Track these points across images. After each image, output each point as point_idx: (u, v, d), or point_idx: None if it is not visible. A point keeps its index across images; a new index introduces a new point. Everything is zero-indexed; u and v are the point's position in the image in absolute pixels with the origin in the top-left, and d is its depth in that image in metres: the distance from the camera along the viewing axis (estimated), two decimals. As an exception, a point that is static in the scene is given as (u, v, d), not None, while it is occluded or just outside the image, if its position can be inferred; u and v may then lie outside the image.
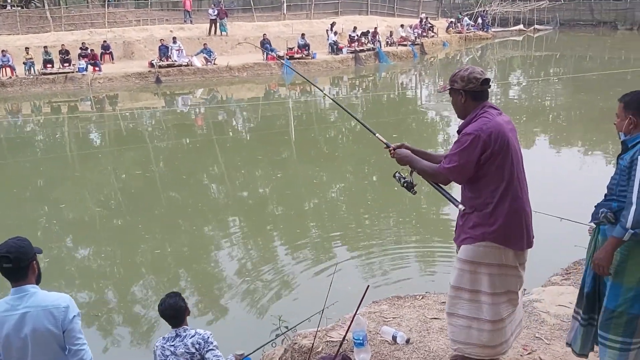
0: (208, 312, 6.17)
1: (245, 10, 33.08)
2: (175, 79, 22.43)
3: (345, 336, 3.32)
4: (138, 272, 7.40)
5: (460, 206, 3.14)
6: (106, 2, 30.34)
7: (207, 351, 3.36)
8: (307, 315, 4.49)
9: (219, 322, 5.95)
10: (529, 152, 12.27)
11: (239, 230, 8.66)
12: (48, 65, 21.41)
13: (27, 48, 21.63)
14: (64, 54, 21.85)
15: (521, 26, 44.63)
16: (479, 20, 41.05)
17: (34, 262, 2.66)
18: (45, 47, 21.99)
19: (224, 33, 26.96)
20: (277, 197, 9.96)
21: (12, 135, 15.99)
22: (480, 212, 3.08)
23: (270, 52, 24.21)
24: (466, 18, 40.34)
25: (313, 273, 6.79)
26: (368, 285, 3.12)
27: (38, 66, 21.33)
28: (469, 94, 3.09)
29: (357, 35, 27.79)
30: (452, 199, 3.21)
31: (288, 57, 24.26)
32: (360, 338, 3.52)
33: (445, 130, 14.69)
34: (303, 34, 26.14)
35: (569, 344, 3.25)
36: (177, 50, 23.29)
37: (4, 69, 20.93)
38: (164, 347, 3.41)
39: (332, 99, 4.77)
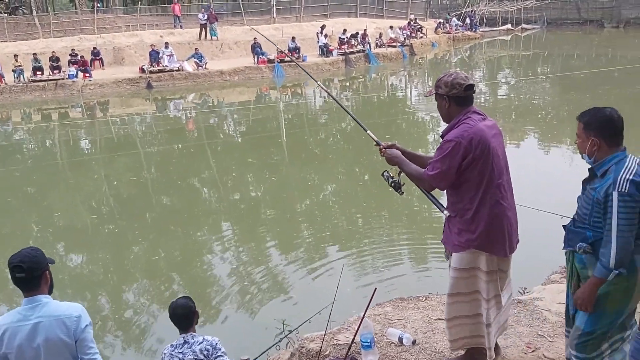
0: (207, 317, 6.17)
1: (235, 15, 33.08)
2: (167, 84, 22.39)
3: (354, 339, 3.35)
4: (135, 278, 7.38)
5: (446, 212, 3.19)
6: (95, 8, 30.24)
7: (215, 357, 3.35)
8: (307, 317, 4.51)
9: (219, 328, 5.94)
10: (521, 150, 12.39)
11: (234, 234, 8.67)
12: (38, 73, 21.29)
13: (15, 55, 21.48)
14: (54, 60, 21.73)
15: (509, 26, 44.94)
16: (467, 21, 41.31)
17: (47, 272, 2.67)
18: (34, 54, 21.87)
19: (214, 37, 26.95)
20: (272, 200, 9.98)
21: (2, 143, 15.88)
22: (462, 218, 3.14)
23: (261, 56, 24.29)
24: (454, 18, 40.57)
25: (310, 275, 6.81)
26: (375, 288, 3.17)
27: (27, 73, 21.20)
28: (453, 99, 3.14)
29: (347, 37, 27.89)
30: (438, 204, 3.27)
31: (279, 60, 24.30)
32: (368, 340, 3.55)
33: (435, 130, 14.78)
34: (293, 37, 26.20)
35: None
36: (168, 55, 23.25)
37: (-8, 76, 20.81)
38: (172, 354, 3.41)
39: (326, 91, 4.80)
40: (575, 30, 44.95)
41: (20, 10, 32.87)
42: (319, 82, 4.61)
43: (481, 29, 42.19)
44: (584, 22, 46.92)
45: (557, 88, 20.70)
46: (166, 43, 23.81)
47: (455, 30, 38.70)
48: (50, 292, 2.71)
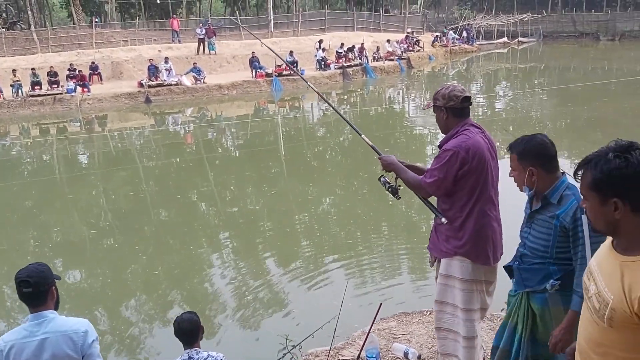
0: (208, 333, 6.09)
1: (233, 29, 33.25)
2: (165, 99, 22.44)
3: (359, 354, 3.32)
4: (135, 293, 7.32)
5: (444, 219, 3.24)
6: (93, 22, 30.39)
7: (220, 373, 3.33)
8: (309, 332, 4.47)
9: (221, 343, 5.88)
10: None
11: (233, 248, 8.62)
12: (36, 87, 21.31)
13: (14, 70, 21.55)
14: (52, 75, 21.77)
15: (505, 39, 45.28)
16: (464, 34, 41.60)
17: (53, 287, 2.66)
18: (32, 68, 21.92)
19: (212, 52, 27.07)
20: (271, 214, 9.94)
21: (1, 158, 15.85)
22: (450, 225, 3.22)
23: (259, 70, 24.38)
24: (451, 32, 40.87)
25: (311, 289, 6.75)
26: (381, 303, 3.15)
27: (26, 88, 21.23)
28: (450, 111, 3.24)
29: (344, 51, 28.03)
30: (436, 211, 3.33)
31: (277, 74, 24.39)
32: (374, 356, 3.52)
33: (433, 143, 14.81)
34: (291, 51, 26.31)
35: None
36: (166, 69, 23.33)
37: (-9, 91, 20.82)
38: None
39: (319, 94, 4.80)
40: (571, 43, 45.29)
41: (18, 26, 33.03)
42: (310, 84, 4.64)
43: (478, 42, 42.48)
44: (579, 35, 47.32)
45: (555, 101, 20.78)
46: (166, 58, 23.91)
47: (452, 43, 38.97)
48: (56, 308, 2.69)
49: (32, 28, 28.31)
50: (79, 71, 22.51)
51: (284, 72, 24.82)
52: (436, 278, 3.43)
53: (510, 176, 2.78)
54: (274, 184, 11.80)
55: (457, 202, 3.19)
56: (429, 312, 4.52)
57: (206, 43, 26.89)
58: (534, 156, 2.64)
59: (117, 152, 16.00)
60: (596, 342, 1.81)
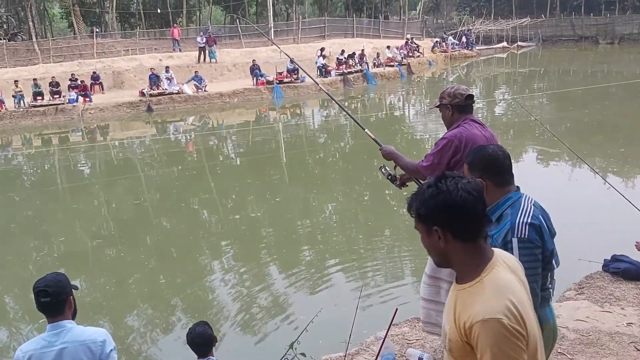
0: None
1: (233, 37, 33.37)
2: (167, 107, 22.50)
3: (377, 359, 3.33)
4: (140, 303, 7.31)
5: None
6: (94, 32, 30.50)
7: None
8: (318, 339, 4.46)
9: (227, 352, 5.88)
10: (519, 167, 12.41)
11: (237, 256, 8.60)
12: (38, 98, 21.38)
13: (16, 81, 21.61)
14: (54, 85, 21.85)
15: (504, 43, 45.41)
16: (464, 39, 41.73)
17: (71, 297, 2.68)
18: (34, 79, 21.99)
19: (213, 60, 27.16)
20: (275, 221, 9.93)
21: (3, 168, 15.88)
22: None
23: (260, 77, 24.46)
24: (451, 37, 41.00)
25: (318, 296, 6.75)
26: (397, 309, 3.16)
27: (28, 99, 21.29)
28: (455, 108, 3.51)
29: (345, 57, 28.11)
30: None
31: (278, 81, 24.46)
32: (388, 361, 3.53)
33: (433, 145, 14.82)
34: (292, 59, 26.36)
35: None
36: (167, 78, 23.40)
37: (-7, 102, 20.89)
38: None
39: (323, 89, 4.84)
40: (570, 47, 45.40)
41: (19, 37, 33.14)
42: (321, 86, 4.68)
43: (477, 47, 42.60)
44: (579, 39, 47.44)
45: (555, 104, 20.81)
46: (167, 67, 24.01)
47: (452, 48, 39.09)
48: (74, 317, 2.71)
49: (34, 39, 28.40)
50: (81, 81, 22.61)
51: (285, 80, 24.91)
52: None
53: None
54: (277, 191, 11.81)
55: None
56: (438, 317, 4.53)
57: (207, 51, 27.00)
58: (482, 168, 2.55)
59: (119, 162, 16.03)
60: None
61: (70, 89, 21.99)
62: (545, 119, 18.35)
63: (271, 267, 7.93)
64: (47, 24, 41.65)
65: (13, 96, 20.98)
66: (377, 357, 3.36)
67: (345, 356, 3.77)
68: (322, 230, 9.38)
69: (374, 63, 29.98)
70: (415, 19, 49.96)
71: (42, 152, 17.82)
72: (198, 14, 45.24)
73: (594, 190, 10.46)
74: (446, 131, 3.59)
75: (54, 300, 2.58)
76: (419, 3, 59.20)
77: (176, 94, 23.02)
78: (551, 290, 2.54)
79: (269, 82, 24.63)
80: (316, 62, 27.45)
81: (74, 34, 33.40)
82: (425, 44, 38.48)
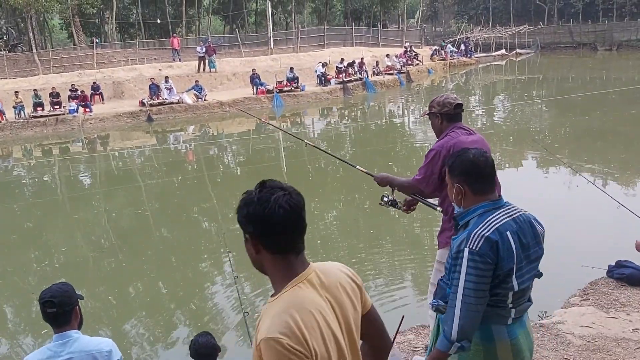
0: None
1: (232, 47, 33.47)
2: (167, 117, 22.53)
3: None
4: (141, 313, 7.28)
5: (439, 208, 3.62)
6: (94, 43, 30.59)
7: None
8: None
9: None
10: (519, 173, 12.42)
11: (238, 265, 8.58)
12: (38, 109, 21.38)
13: (16, 92, 21.62)
14: (54, 96, 21.87)
15: (503, 51, 45.56)
16: (462, 47, 41.87)
17: (77, 307, 2.66)
18: (35, 90, 22.01)
19: (212, 69, 27.23)
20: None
21: (4, 179, 15.87)
22: (445, 217, 3.59)
23: (260, 86, 24.51)
24: (449, 45, 41.13)
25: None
26: (403, 316, 3.13)
27: (28, 109, 21.30)
28: (445, 117, 3.60)
29: (344, 66, 28.19)
30: (431, 205, 3.69)
31: (277, 90, 24.51)
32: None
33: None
34: (292, 67, 26.47)
35: None
36: (167, 88, 23.45)
37: (-7, 113, 20.90)
38: None
39: (311, 145, 4.86)
40: (568, 53, 45.54)
41: (19, 48, 33.24)
42: (307, 142, 4.69)
43: (476, 55, 42.74)
44: (577, 46, 47.63)
45: (554, 111, 20.84)
46: (166, 77, 24.06)
47: (451, 56, 39.19)
48: (79, 327, 2.69)
49: (34, 50, 28.48)
50: (81, 91, 22.64)
51: (285, 89, 24.98)
52: None
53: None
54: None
55: (447, 197, 3.39)
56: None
57: (206, 61, 27.06)
58: (460, 173, 2.43)
59: (120, 171, 16.03)
60: None
61: (71, 100, 22.02)
62: (544, 125, 18.39)
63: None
64: (47, 35, 41.79)
65: (13, 107, 20.97)
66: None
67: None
68: (323, 237, 9.35)
69: (374, 71, 30.07)
70: (413, 27, 50.18)
71: (42, 162, 17.82)
72: (197, 23, 45.41)
73: (594, 196, 10.44)
74: (436, 139, 3.69)
75: (60, 310, 2.57)
76: (418, 11, 59.49)
77: (176, 103, 23.06)
78: (513, 309, 2.32)
79: (268, 91, 24.68)
80: (316, 71, 27.53)
81: (74, 44, 33.51)
82: (424, 52, 38.61)
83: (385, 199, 3.86)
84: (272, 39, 33.34)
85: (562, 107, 21.35)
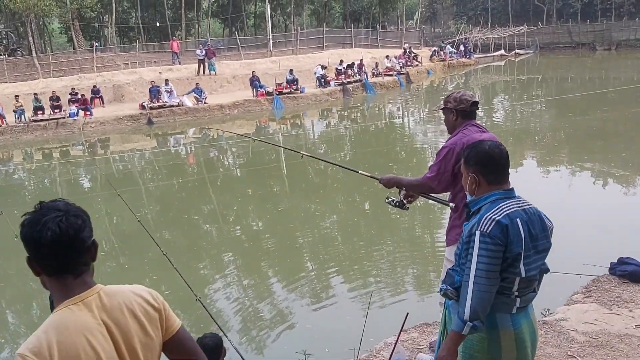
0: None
1: (232, 49, 33.51)
2: (167, 120, 22.55)
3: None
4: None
5: (451, 204, 3.55)
6: (93, 47, 30.64)
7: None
8: (326, 347, 4.45)
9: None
10: (520, 173, 12.42)
11: (240, 267, 8.59)
12: (39, 112, 21.42)
13: (16, 96, 21.66)
14: (55, 100, 21.91)
15: (502, 51, 45.61)
16: (461, 48, 41.90)
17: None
18: (35, 94, 22.05)
19: (212, 72, 27.26)
20: (277, 232, 9.92)
21: (5, 183, 15.88)
22: (455, 214, 3.55)
23: (260, 88, 24.54)
24: (449, 46, 41.18)
25: (320, 305, 6.73)
26: (407, 313, 3.14)
27: (28, 113, 21.33)
28: (460, 113, 3.57)
29: (344, 67, 28.22)
30: (442, 201, 3.66)
31: (277, 92, 24.54)
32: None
33: (434, 156, 14.85)
34: (291, 70, 26.50)
35: None
36: (167, 91, 23.47)
37: (-6, 117, 20.92)
38: None
39: (309, 156, 4.85)
40: (567, 53, 45.59)
41: (19, 52, 33.28)
42: (303, 153, 4.69)
43: (475, 55, 42.78)
44: (576, 46, 47.69)
45: (554, 111, 20.86)
46: (166, 80, 24.10)
47: (450, 57, 39.23)
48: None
49: (33, 54, 28.51)
50: (81, 95, 22.66)
51: (285, 91, 25.01)
52: None
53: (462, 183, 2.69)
54: (279, 201, 11.81)
55: (459, 193, 3.44)
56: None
57: (206, 64, 27.10)
58: (475, 163, 2.51)
59: (120, 174, 16.04)
60: None
61: (71, 103, 22.04)
62: (544, 125, 18.41)
63: (275, 277, 7.91)
64: (47, 39, 41.84)
65: (14, 111, 21.01)
66: (388, 361, 3.34)
67: (355, 362, 3.75)
68: (325, 239, 9.36)
69: (373, 73, 30.10)
70: (412, 28, 50.21)
71: (43, 166, 17.83)
72: (197, 26, 45.46)
73: (595, 195, 10.47)
74: (448, 135, 3.69)
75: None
76: (416, 13, 59.57)
77: (176, 106, 23.09)
78: (518, 299, 2.41)
79: (268, 93, 24.71)
80: (315, 73, 27.56)
81: (74, 48, 33.56)
82: (424, 53, 38.66)
83: (390, 200, 3.77)
84: (271, 41, 33.40)
85: (561, 106, 21.37)
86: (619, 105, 20.49)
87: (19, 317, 7.44)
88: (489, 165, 2.48)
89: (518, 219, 2.37)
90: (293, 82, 25.75)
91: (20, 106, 21.18)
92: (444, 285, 2.56)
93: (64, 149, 20.03)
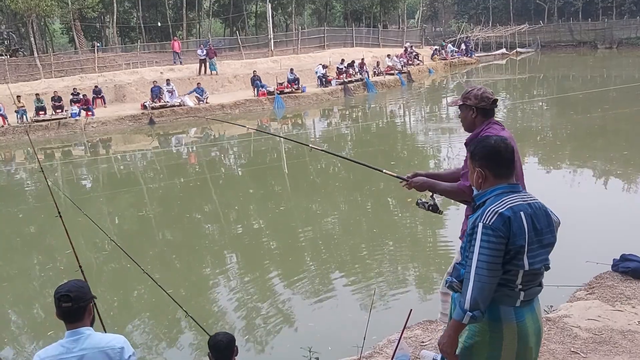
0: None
1: (233, 49, 33.53)
2: (169, 119, 22.56)
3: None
4: (145, 315, 7.29)
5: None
6: (95, 47, 30.67)
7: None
8: (329, 344, 4.44)
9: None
10: (527, 171, 12.40)
11: (243, 266, 8.60)
12: (41, 113, 21.46)
13: (18, 96, 21.68)
14: (56, 100, 21.94)
15: (504, 50, 45.58)
16: (463, 47, 41.87)
17: (91, 304, 2.68)
18: (37, 94, 22.09)
19: (214, 72, 27.28)
20: (279, 231, 9.93)
21: (7, 184, 15.90)
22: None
23: (261, 88, 24.54)
24: (450, 45, 41.15)
25: (323, 303, 6.73)
26: (411, 309, 3.14)
27: (30, 114, 21.36)
28: (480, 111, 3.44)
29: (345, 67, 28.22)
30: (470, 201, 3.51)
31: (279, 92, 24.55)
32: (402, 362, 3.51)
33: (436, 155, 14.85)
34: (292, 69, 26.51)
35: None
36: (169, 91, 23.50)
37: (-5, 118, 20.95)
38: None
39: (329, 153, 4.83)
40: (569, 52, 45.53)
41: (20, 52, 33.33)
42: (312, 146, 4.67)
43: (477, 54, 42.75)
44: (577, 44, 47.66)
45: (555, 109, 20.84)
46: (167, 80, 24.13)
47: (451, 56, 39.21)
48: (92, 325, 2.70)
49: (35, 54, 28.55)
50: (83, 95, 22.68)
51: (286, 90, 25.02)
52: None
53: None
54: (280, 200, 11.81)
55: None
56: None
57: (207, 63, 27.12)
58: (481, 157, 2.54)
59: (122, 174, 16.06)
60: None
61: (73, 103, 22.07)
62: (545, 124, 18.39)
63: (277, 276, 7.91)
64: (48, 39, 41.91)
65: (16, 111, 21.04)
66: (392, 359, 3.34)
67: (359, 359, 3.75)
68: (327, 237, 9.36)
69: (374, 72, 30.09)
70: (413, 27, 50.23)
71: (45, 166, 17.81)
72: (198, 26, 45.51)
73: (596, 192, 10.46)
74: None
75: (75, 305, 2.57)
76: (417, 11, 59.55)
77: (178, 106, 23.11)
78: (522, 292, 2.43)
79: (269, 93, 24.72)
80: (316, 72, 27.55)
81: (75, 48, 33.61)
82: (425, 51, 38.65)
83: (420, 201, 3.64)
84: (272, 40, 33.40)
85: (563, 105, 21.35)
86: (620, 104, 20.46)
87: (22, 315, 7.44)
88: (495, 159, 2.51)
89: (522, 212, 2.39)
90: (294, 81, 25.76)
91: (22, 106, 21.21)
92: (449, 277, 2.59)
93: (66, 149, 20.03)
